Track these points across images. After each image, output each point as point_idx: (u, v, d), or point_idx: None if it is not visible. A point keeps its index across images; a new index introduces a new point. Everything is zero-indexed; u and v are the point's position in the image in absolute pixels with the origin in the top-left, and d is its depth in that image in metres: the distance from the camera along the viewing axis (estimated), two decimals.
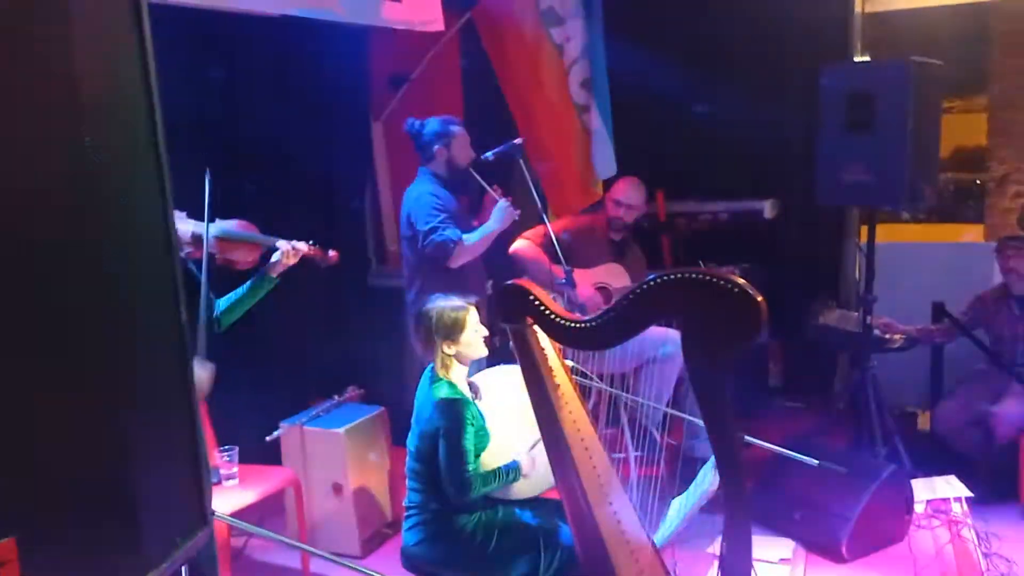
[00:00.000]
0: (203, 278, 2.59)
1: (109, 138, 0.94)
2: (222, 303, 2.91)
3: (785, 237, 5.26)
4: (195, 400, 0.93)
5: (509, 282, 2.41)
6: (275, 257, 2.91)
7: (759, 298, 1.87)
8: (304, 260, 2.98)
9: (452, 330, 2.79)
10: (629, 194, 4.38)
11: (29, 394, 0.74)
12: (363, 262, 5.38)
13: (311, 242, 3.01)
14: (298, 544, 2.77)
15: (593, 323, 2.18)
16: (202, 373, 2.27)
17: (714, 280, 1.89)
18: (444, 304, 2.84)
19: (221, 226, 2.80)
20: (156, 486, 0.84)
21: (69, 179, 0.85)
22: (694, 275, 1.94)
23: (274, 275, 2.92)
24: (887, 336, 4.26)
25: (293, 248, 2.91)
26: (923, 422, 4.69)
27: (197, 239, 2.68)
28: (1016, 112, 5.20)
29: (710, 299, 1.90)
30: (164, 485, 0.86)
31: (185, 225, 2.71)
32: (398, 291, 4.05)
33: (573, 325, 2.26)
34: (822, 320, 4.52)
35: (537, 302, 2.31)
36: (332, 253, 3.08)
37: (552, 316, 2.29)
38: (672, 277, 1.97)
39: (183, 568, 1.63)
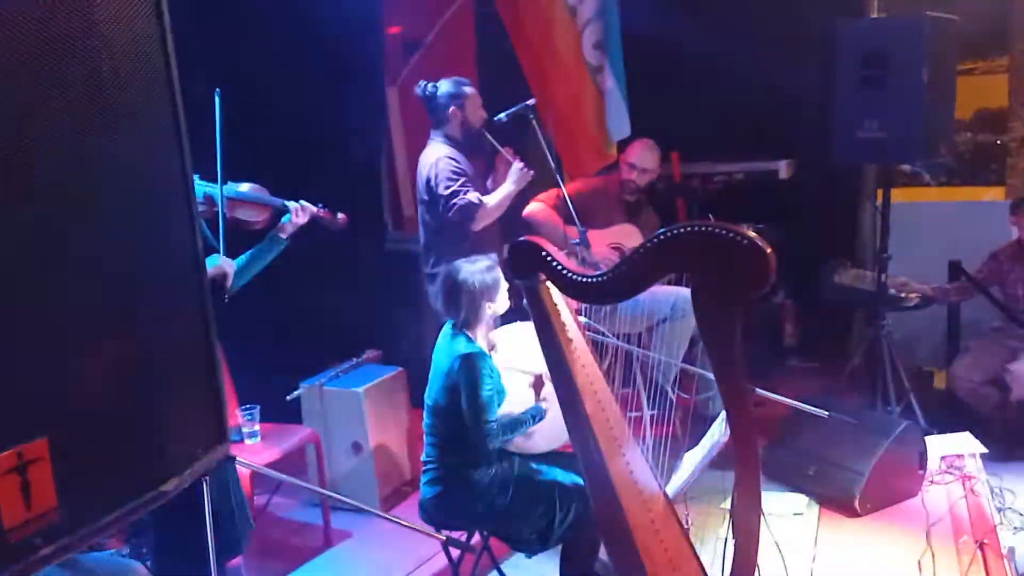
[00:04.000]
0: (221, 235, 2.72)
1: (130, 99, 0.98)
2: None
3: (801, 197, 5.23)
4: (213, 335, 0.98)
5: (521, 239, 2.44)
6: (285, 219, 3.00)
7: (768, 249, 1.88)
8: (315, 223, 3.09)
9: (493, 289, 2.83)
10: (643, 157, 4.38)
11: (65, 316, 0.80)
12: (380, 227, 5.42)
13: (321, 205, 3.10)
14: (323, 491, 2.85)
15: (605, 277, 2.21)
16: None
17: (723, 232, 1.91)
18: (475, 267, 2.86)
19: (233, 188, 2.89)
20: (179, 406, 0.91)
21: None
22: (704, 228, 1.96)
23: (284, 236, 3.01)
24: (902, 295, 4.26)
25: (302, 208, 3.02)
26: (939, 381, 4.69)
27: (209, 199, 2.78)
28: None
29: (720, 251, 1.92)
30: (186, 406, 0.93)
31: (198, 186, 2.78)
32: (414, 255, 4.08)
33: (585, 280, 2.28)
34: (837, 279, 4.52)
35: (549, 258, 2.34)
36: (341, 216, 3.18)
37: (564, 271, 2.32)
38: (682, 230, 1.99)
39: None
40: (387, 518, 2.05)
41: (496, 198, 3.61)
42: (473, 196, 3.52)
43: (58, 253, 0.82)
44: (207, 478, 1.76)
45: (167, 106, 0.98)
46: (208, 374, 0.97)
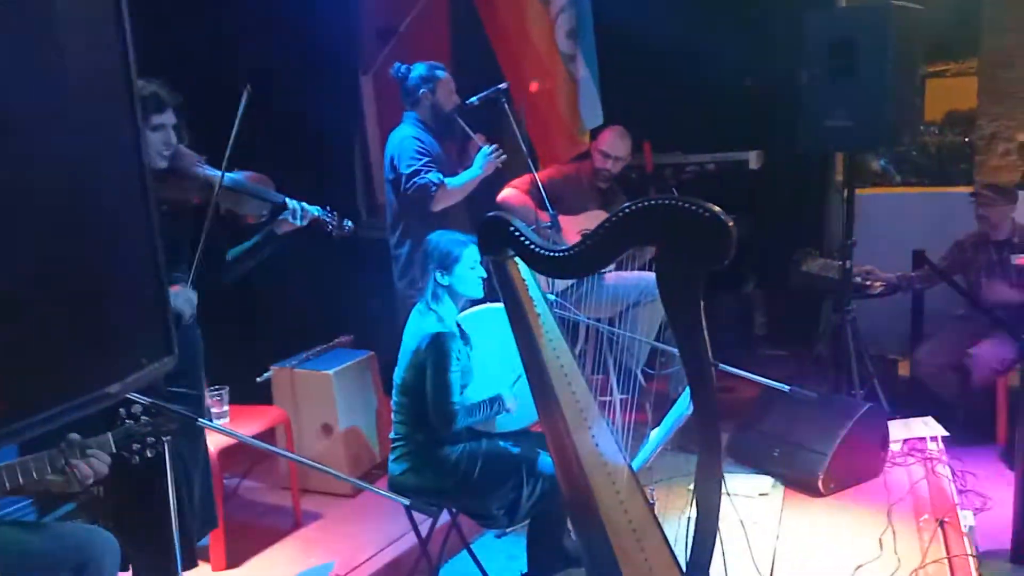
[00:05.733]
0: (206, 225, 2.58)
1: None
2: (230, 253, 2.88)
3: (771, 188, 5.31)
4: (159, 249, 1.01)
5: (489, 214, 2.46)
6: (283, 216, 2.83)
7: (729, 223, 1.92)
8: (315, 226, 2.93)
9: (446, 260, 2.84)
10: (615, 144, 4.43)
11: (9, 216, 0.82)
12: (353, 214, 5.40)
13: (328, 208, 2.97)
14: (297, 456, 2.86)
15: (571, 251, 2.24)
16: (189, 297, 2.47)
17: (686, 205, 1.95)
18: (447, 235, 2.90)
19: (233, 176, 2.69)
20: (125, 316, 0.94)
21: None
22: (667, 201, 2.00)
23: (279, 233, 2.84)
24: (867, 282, 4.34)
25: (303, 210, 2.84)
26: (903, 369, 4.78)
27: (207, 185, 2.60)
28: (1006, 69, 5.19)
29: (682, 223, 1.95)
30: (132, 317, 0.96)
31: (203, 171, 2.64)
32: (387, 242, 4.10)
33: (552, 254, 2.31)
34: (805, 268, 4.60)
35: (517, 232, 2.35)
36: (349, 224, 3.05)
37: (531, 246, 2.34)
38: (647, 203, 2.02)
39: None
40: (358, 484, 2.08)
41: (459, 181, 3.65)
42: (433, 176, 3.57)
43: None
44: (169, 440, 1.78)
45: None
46: (155, 288, 1.00)
